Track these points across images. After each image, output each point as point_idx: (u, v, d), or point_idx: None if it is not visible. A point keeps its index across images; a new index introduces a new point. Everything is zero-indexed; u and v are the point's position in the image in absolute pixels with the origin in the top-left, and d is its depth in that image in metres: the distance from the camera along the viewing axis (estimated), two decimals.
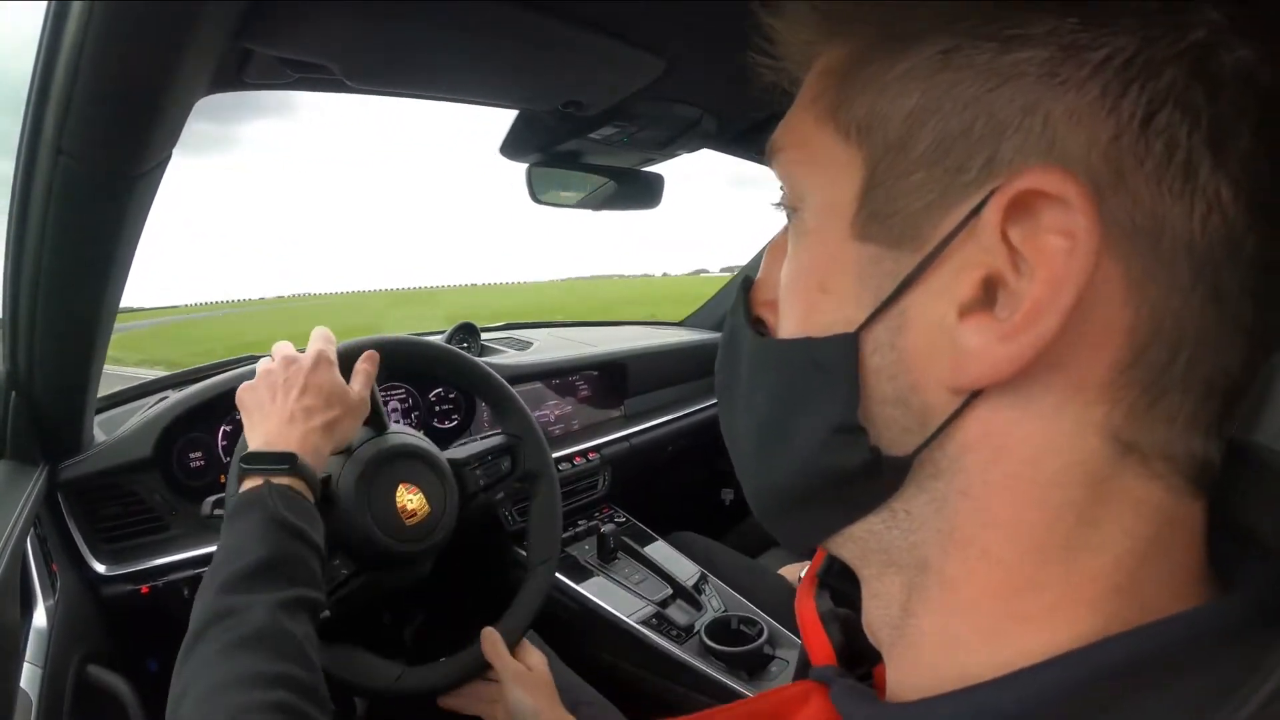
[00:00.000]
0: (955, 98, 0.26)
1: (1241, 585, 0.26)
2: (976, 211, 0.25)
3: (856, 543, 0.31)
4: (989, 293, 0.26)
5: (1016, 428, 0.26)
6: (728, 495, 2.09)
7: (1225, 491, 0.28)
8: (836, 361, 0.29)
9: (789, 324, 0.32)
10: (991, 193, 0.25)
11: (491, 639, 0.95)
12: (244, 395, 0.79)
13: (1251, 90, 0.23)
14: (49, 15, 0.45)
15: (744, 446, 0.35)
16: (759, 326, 0.35)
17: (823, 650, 0.38)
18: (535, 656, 0.97)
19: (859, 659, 0.37)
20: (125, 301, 0.79)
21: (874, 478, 0.28)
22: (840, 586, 0.40)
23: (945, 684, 0.27)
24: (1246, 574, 0.27)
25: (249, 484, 0.70)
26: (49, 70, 0.48)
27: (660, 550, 1.44)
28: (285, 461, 0.71)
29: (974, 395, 0.26)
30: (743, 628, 1.19)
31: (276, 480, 0.70)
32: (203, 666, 0.58)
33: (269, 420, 0.76)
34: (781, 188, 0.34)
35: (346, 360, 0.85)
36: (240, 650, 0.58)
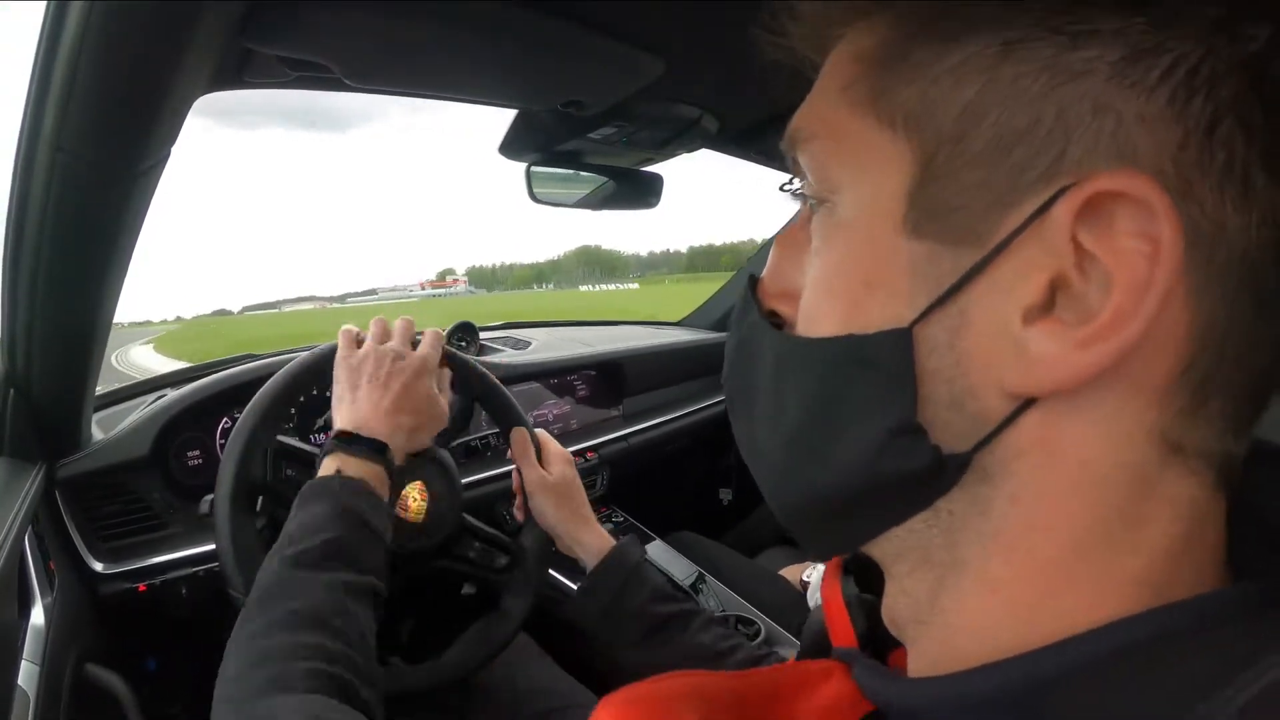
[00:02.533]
0: (1020, 91, 0.25)
1: (1260, 573, 0.27)
2: (1043, 210, 0.24)
3: (893, 542, 0.30)
4: (1052, 295, 0.25)
5: (1072, 431, 0.25)
6: (726, 495, 2.09)
7: (1247, 486, 0.28)
8: (890, 359, 0.27)
9: (825, 321, 0.30)
10: (1061, 191, 0.24)
11: (520, 438, 0.95)
12: (343, 368, 0.81)
13: None
14: (48, 12, 0.45)
15: (773, 457, 0.33)
16: (773, 320, 0.34)
17: (845, 634, 0.37)
18: (559, 464, 0.94)
19: (880, 645, 0.36)
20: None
21: (935, 479, 0.27)
22: (862, 572, 0.40)
23: (974, 661, 0.27)
24: (1265, 563, 0.27)
25: (331, 464, 0.73)
26: (48, 67, 0.48)
27: (658, 550, 1.44)
28: (376, 449, 0.74)
29: (1030, 400, 0.26)
30: (740, 627, 1.19)
31: (361, 463, 0.73)
32: (260, 634, 0.58)
33: (365, 404, 0.78)
34: (802, 178, 0.32)
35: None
36: (300, 624, 0.59)
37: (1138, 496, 0.25)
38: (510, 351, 1.62)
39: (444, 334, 0.88)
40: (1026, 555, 0.27)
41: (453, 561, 0.93)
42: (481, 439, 1.36)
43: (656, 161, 1.15)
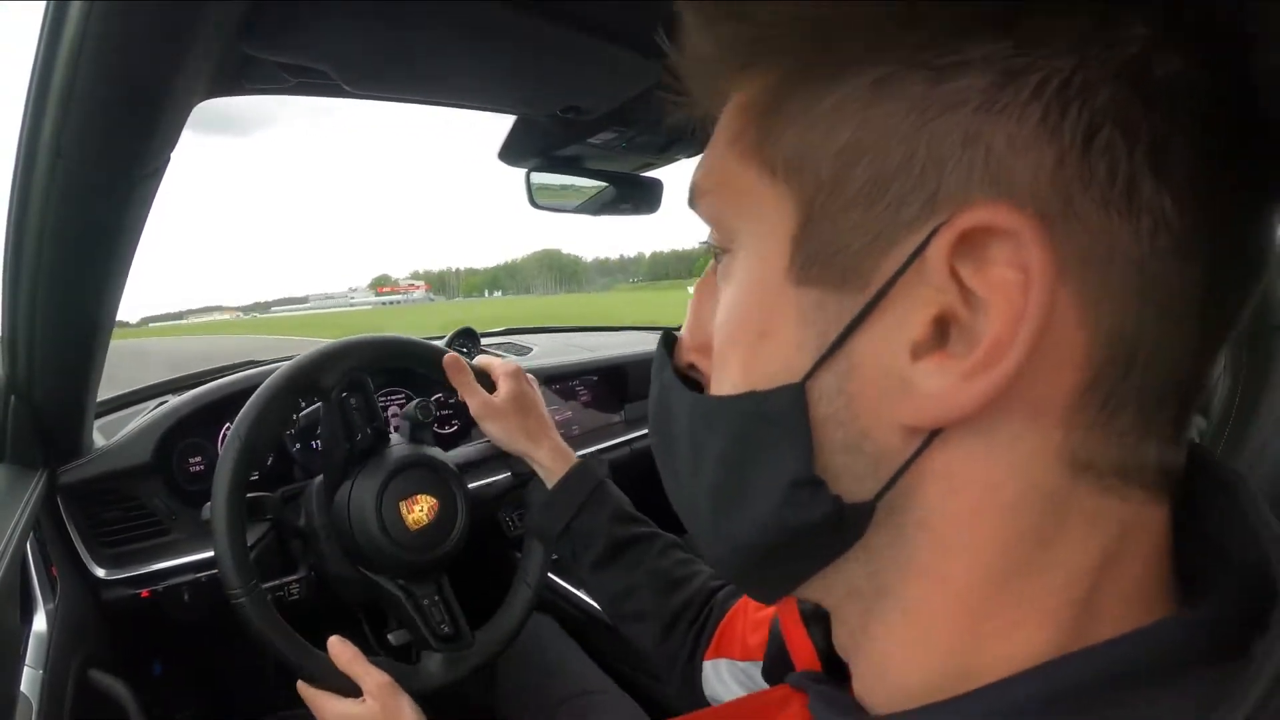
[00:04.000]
0: (891, 131, 0.25)
1: (1208, 599, 0.26)
2: (921, 249, 0.24)
3: (821, 583, 0.31)
4: (941, 331, 0.25)
5: (975, 459, 0.25)
6: None
7: (1197, 506, 0.28)
8: (785, 413, 0.28)
9: (729, 374, 0.30)
10: (936, 229, 0.24)
11: (451, 362, 0.90)
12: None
13: (1185, 101, 0.23)
14: (47, 15, 0.46)
15: (698, 511, 0.33)
16: (693, 373, 0.35)
17: (805, 651, 0.38)
18: (505, 382, 0.90)
19: (839, 662, 0.36)
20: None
21: (839, 527, 0.28)
22: None
23: (912, 698, 0.28)
24: (1214, 586, 0.26)
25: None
26: (47, 71, 0.48)
27: None
28: None
29: (933, 434, 0.26)
30: None
31: None
32: None
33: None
34: (710, 231, 0.33)
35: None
36: None
37: (1049, 517, 0.25)
38: (512, 357, 1.62)
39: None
40: (941, 582, 0.27)
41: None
42: (484, 443, 1.36)
43: (657, 167, 1.15)
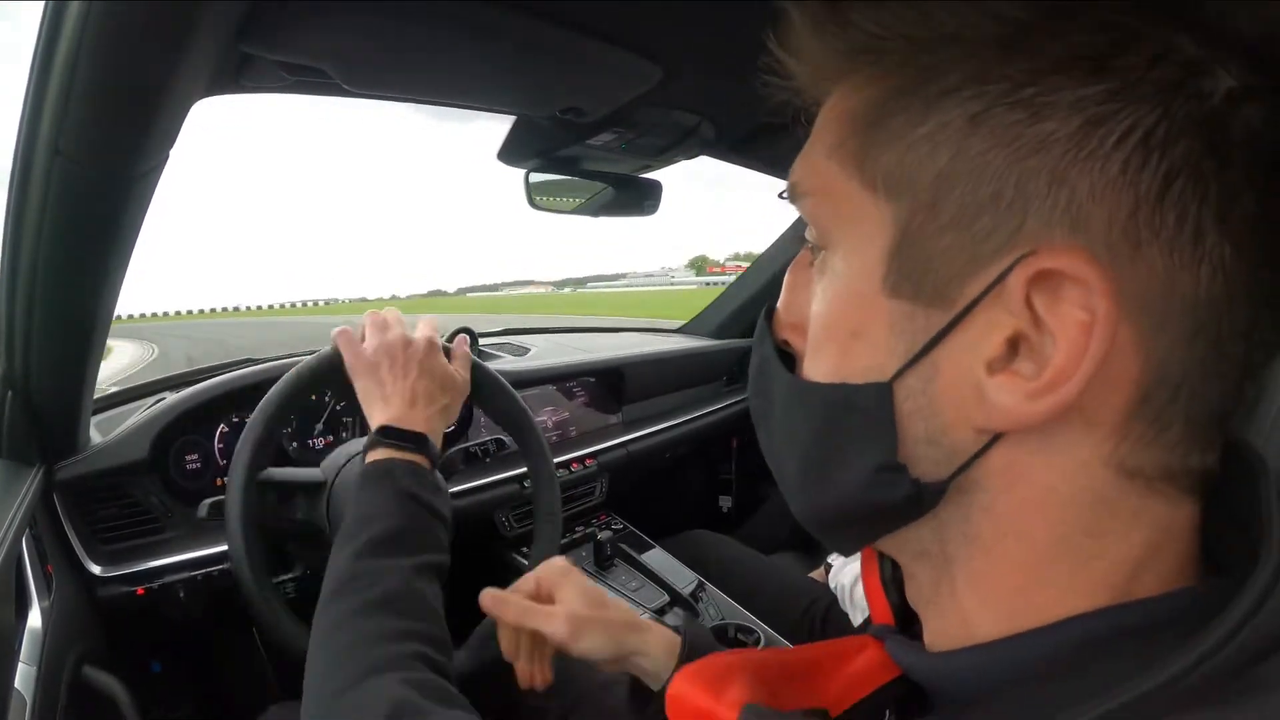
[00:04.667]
0: (986, 164, 0.27)
1: (1227, 577, 0.29)
2: (1003, 277, 0.27)
3: (895, 541, 0.34)
4: (1013, 348, 0.28)
5: (1034, 460, 0.29)
6: (726, 502, 2.08)
7: (1229, 491, 0.30)
8: (874, 407, 0.31)
9: (823, 364, 0.33)
10: (1018, 260, 0.27)
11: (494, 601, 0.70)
12: (358, 365, 0.82)
13: (1259, 155, 0.25)
14: (46, 14, 0.46)
15: (788, 470, 0.36)
16: (786, 347, 0.38)
17: (882, 610, 0.41)
18: (567, 589, 0.69)
19: (912, 617, 0.40)
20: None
21: (917, 504, 0.31)
22: None
23: (965, 642, 0.32)
24: (1235, 565, 0.29)
25: (377, 456, 0.75)
26: (46, 70, 0.48)
27: (657, 558, 1.44)
28: (416, 441, 0.77)
29: (998, 435, 0.29)
30: (740, 636, 1.19)
31: (405, 456, 0.75)
32: (340, 624, 0.61)
33: (394, 399, 0.80)
34: (808, 227, 0.35)
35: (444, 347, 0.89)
36: (377, 610, 0.62)
37: (1099, 515, 0.29)
38: (509, 358, 1.62)
39: (434, 318, 0.90)
40: (1001, 556, 0.31)
41: None
42: (481, 445, 1.35)
43: (655, 168, 1.16)
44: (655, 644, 0.66)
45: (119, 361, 19.00)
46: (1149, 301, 0.26)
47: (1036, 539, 0.29)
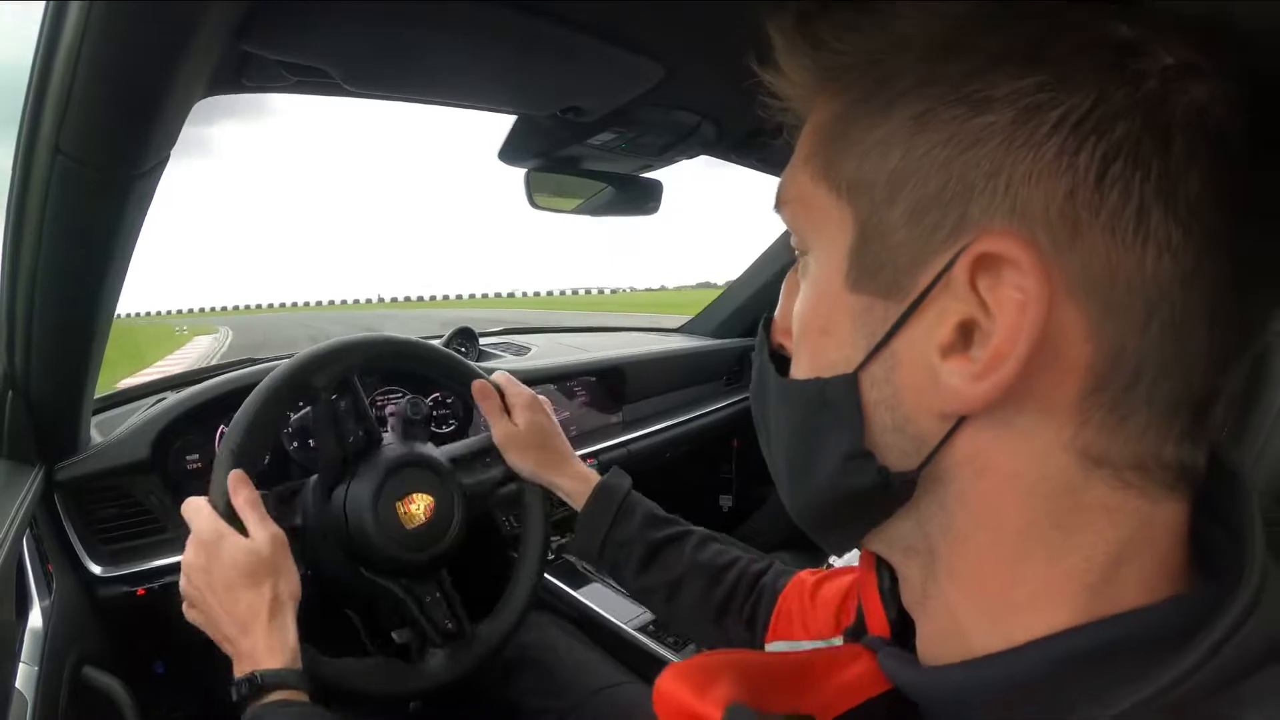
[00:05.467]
0: (930, 160, 0.29)
1: (1212, 584, 0.29)
2: (949, 267, 0.28)
3: (883, 537, 0.35)
4: (965, 334, 0.29)
5: (997, 446, 0.29)
6: (726, 502, 2.08)
7: (1212, 498, 0.31)
8: (841, 398, 0.32)
9: (803, 363, 0.35)
10: (960, 251, 0.28)
11: (480, 389, 0.93)
12: (194, 618, 0.75)
13: (1202, 134, 0.25)
14: (47, 14, 0.46)
15: (780, 473, 0.38)
16: (781, 352, 0.39)
17: (879, 622, 0.42)
18: (524, 412, 0.92)
19: (909, 631, 0.41)
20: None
21: (887, 492, 0.32)
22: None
23: (954, 657, 0.32)
24: (1220, 572, 0.29)
25: (246, 712, 0.68)
26: (47, 69, 0.49)
27: None
28: (258, 685, 0.68)
29: (960, 420, 0.30)
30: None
31: (265, 702, 0.68)
32: None
33: (232, 643, 0.72)
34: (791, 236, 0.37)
35: (228, 503, 0.77)
36: None
37: (1066, 504, 0.29)
38: (510, 357, 1.63)
39: (199, 501, 0.77)
40: (977, 549, 0.31)
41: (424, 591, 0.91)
42: (481, 445, 1.35)
43: (656, 168, 1.15)
44: (570, 484, 0.88)
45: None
46: (1093, 283, 0.27)
47: (1006, 529, 0.30)
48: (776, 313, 0.41)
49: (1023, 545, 0.30)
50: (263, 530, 0.75)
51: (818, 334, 0.34)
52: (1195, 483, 0.30)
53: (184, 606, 0.75)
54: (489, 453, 0.99)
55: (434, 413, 1.39)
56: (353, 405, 0.91)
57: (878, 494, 0.32)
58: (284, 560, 0.75)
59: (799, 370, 0.36)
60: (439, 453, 0.96)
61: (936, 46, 0.29)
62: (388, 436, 0.95)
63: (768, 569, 0.77)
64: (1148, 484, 0.29)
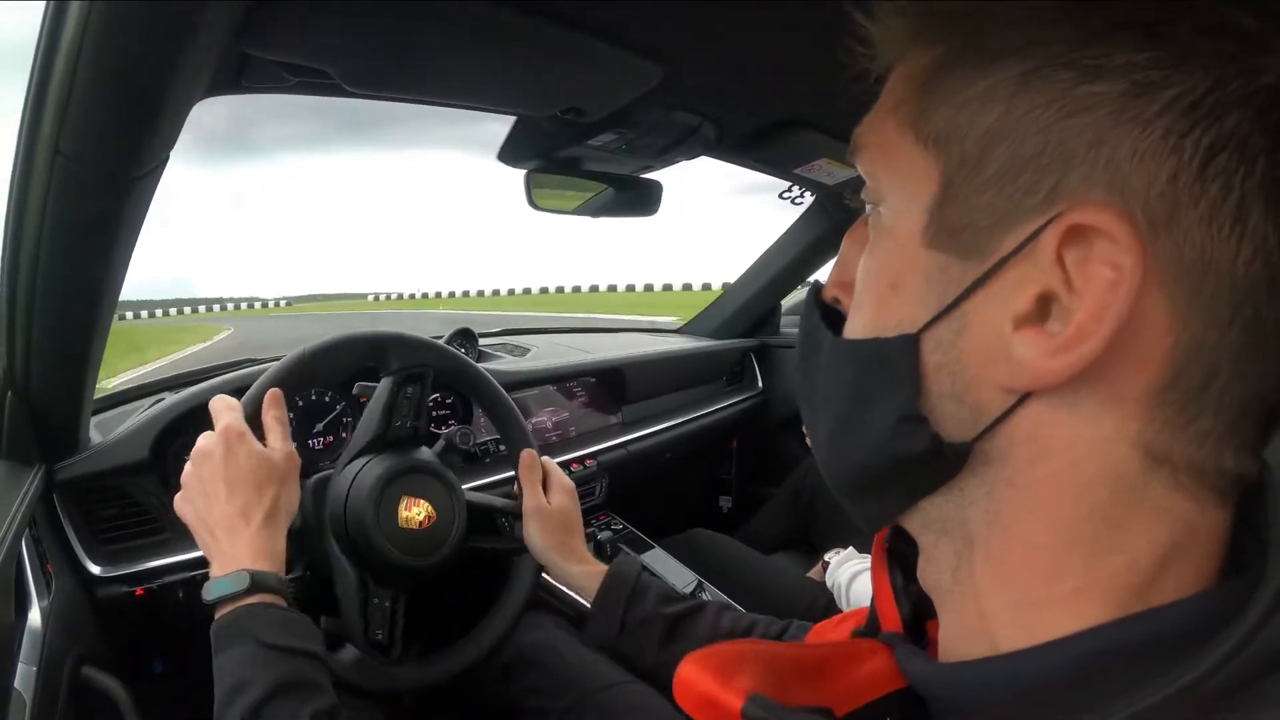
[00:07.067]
0: (1030, 122, 0.27)
1: (1241, 583, 0.28)
2: (1037, 234, 0.27)
3: (920, 515, 0.34)
4: (1043, 307, 0.28)
5: (1060, 429, 0.28)
6: (725, 503, 2.08)
7: (1248, 504, 0.30)
8: (901, 358, 0.31)
9: (862, 319, 0.34)
10: (1052, 218, 0.27)
11: (529, 460, 0.98)
12: (183, 509, 0.75)
13: None
14: (47, 15, 0.46)
15: (822, 434, 0.37)
16: (835, 307, 0.39)
17: (892, 620, 0.42)
18: (559, 494, 0.97)
19: (921, 629, 0.41)
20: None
21: (937, 462, 0.31)
22: (902, 548, 0.43)
23: (981, 639, 0.32)
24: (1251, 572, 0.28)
25: (224, 611, 0.68)
26: (47, 70, 0.48)
27: (657, 558, 1.44)
28: (244, 585, 0.68)
29: (1025, 396, 0.29)
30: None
31: (249, 602, 0.68)
32: None
33: (215, 539, 0.72)
34: (865, 186, 0.36)
35: (255, 414, 0.82)
36: None
37: (1122, 500, 0.28)
38: (509, 358, 1.62)
39: (227, 398, 0.81)
40: (1020, 539, 0.30)
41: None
42: (480, 446, 1.35)
43: (656, 169, 1.16)
44: (579, 577, 0.90)
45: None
46: (1183, 273, 0.26)
47: (1057, 520, 0.29)
48: (834, 264, 0.40)
49: (1070, 539, 0.29)
50: (282, 445, 0.80)
51: (886, 288, 0.33)
52: (1241, 492, 0.29)
53: (176, 498, 0.75)
54: (509, 516, 1.01)
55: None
56: (418, 397, 0.96)
57: (927, 462, 0.31)
58: (291, 477, 0.79)
59: (856, 326, 0.35)
60: (465, 489, 0.98)
61: (1050, 5, 0.28)
62: (424, 449, 0.98)
63: (787, 628, 0.77)
64: (1201, 489, 0.28)
